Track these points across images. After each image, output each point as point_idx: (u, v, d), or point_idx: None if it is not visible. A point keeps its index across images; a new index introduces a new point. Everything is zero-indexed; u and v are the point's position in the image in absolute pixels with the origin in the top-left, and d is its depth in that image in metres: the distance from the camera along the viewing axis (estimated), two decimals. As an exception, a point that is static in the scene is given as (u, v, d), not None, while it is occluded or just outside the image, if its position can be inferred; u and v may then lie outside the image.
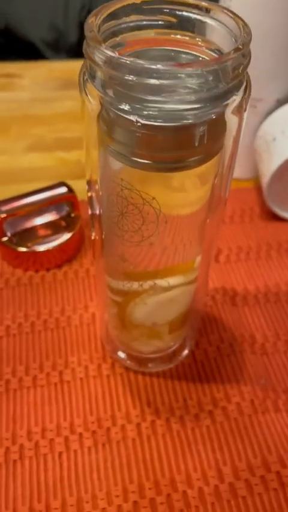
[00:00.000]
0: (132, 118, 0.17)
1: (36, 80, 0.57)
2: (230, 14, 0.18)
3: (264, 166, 0.39)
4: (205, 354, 0.32)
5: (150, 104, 0.17)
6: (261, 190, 0.41)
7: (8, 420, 0.29)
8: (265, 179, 0.38)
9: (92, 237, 0.26)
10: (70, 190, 0.37)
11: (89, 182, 0.23)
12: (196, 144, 0.18)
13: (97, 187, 0.23)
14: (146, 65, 0.16)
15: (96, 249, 0.27)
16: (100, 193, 0.23)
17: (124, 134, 0.19)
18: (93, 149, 0.21)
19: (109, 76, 0.17)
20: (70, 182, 0.42)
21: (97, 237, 0.26)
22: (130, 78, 0.16)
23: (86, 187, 0.24)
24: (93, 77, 0.18)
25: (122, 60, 0.16)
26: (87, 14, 0.68)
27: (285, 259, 0.38)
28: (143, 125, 0.17)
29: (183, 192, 0.21)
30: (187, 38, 0.19)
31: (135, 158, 0.19)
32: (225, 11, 0.18)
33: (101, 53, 0.17)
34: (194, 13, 0.19)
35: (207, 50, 0.19)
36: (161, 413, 0.29)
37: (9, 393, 0.30)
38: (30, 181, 0.44)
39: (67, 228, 0.38)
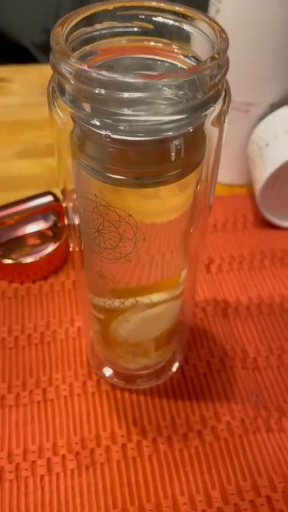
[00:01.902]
0: (103, 132, 0.16)
1: (27, 85, 0.56)
2: (207, 20, 0.17)
3: (257, 173, 0.37)
4: (194, 370, 0.31)
5: (122, 118, 0.16)
6: (255, 197, 0.40)
7: (-11, 441, 0.28)
8: (258, 186, 0.37)
9: (71, 249, 0.25)
10: (56, 199, 0.36)
11: (63, 192, 0.22)
12: (173, 159, 0.17)
13: (74, 196, 0.22)
14: (117, 78, 0.15)
15: (76, 261, 0.26)
16: (77, 203, 0.22)
17: (96, 149, 0.18)
18: (66, 156, 0.20)
19: (78, 90, 0.16)
20: (58, 190, 0.41)
21: (76, 248, 0.25)
22: (100, 92, 0.15)
23: (61, 196, 0.23)
24: (62, 91, 0.17)
25: (91, 73, 0.15)
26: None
27: (279, 268, 0.37)
28: (115, 139, 0.16)
29: (159, 199, 0.20)
30: (161, 45, 0.18)
31: (109, 174, 0.18)
32: (203, 17, 0.17)
33: (69, 66, 0.15)
34: (170, 19, 0.18)
35: (183, 58, 0.18)
36: (147, 432, 0.28)
37: (-10, 412, 0.29)
38: (19, 188, 0.43)
39: (54, 238, 0.37)
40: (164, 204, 0.20)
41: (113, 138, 0.16)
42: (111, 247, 0.20)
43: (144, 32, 0.18)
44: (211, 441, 0.28)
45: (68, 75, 0.16)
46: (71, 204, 0.22)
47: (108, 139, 0.16)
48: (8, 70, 0.58)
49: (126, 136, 0.16)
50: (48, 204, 0.36)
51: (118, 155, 0.17)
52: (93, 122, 0.16)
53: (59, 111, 0.18)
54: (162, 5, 0.17)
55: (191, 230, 0.23)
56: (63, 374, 0.31)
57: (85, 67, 0.15)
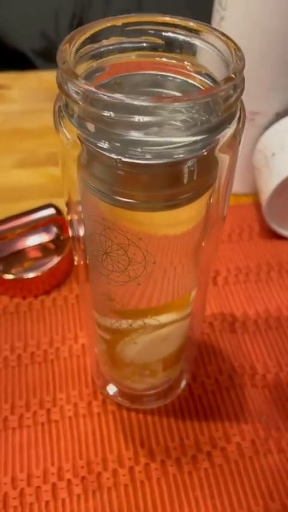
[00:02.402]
0: (114, 156, 0.15)
1: (26, 91, 0.55)
2: (221, 36, 0.16)
3: (263, 183, 0.37)
4: (202, 388, 0.30)
5: (133, 141, 0.15)
6: (260, 207, 0.39)
7: (-8, 465, 0.27)
8: (264, 196, 0.36)
9: (75, 262, 0.24)
10: (59, 211, 0.35)
11: (68, 204, 0.21)
12: (185, 181, 0.16)
13: (79, 208, 0.21)
14: (127, 101, 0.14)
15: (80, 275, 0.25)
16: (82, 215, 0.21)
17: (105, 171, 0.17)
18: (70, 167, 0.19)
19: (86, 112, 0.15)
20: (60, 200, 0.40)
21: (81, 262, 0.24)
22: (109, 115, 0.14)
23: (66, 209, 0.22)
24: (68, 111, 0.16)
25: (100, 95, 0.14)
26: (78, 22, 0.66)
27: (286, 280, 0.36)
28: (125, 163, 0.15)
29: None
30: (174, 61, 0.17)
31: (117, 197, 0.17)
32: (216, 33, 0.16)
33: (76, 87, 0.15)
34: (181, 34, 0.17)
35: (196, 75, 0.17)
36: (155, 454, 0.27)
37: (-7, 434, 0.28)
38: (19, 199, 0.42)
39: (56, 251, 0.36)
40: (177, 215, 0.19)
41: (123, 161, 0.15)
42: (120, 270, 0.20)
43: (154, 48, 0.17)
44: (221, 464, 0.27)
45: (75, 96, 0.15)
46: (76, 217, 0.21)
47: (119, 164, 0.15)
48: (7, 76, 0.57)
49: (137, 159, 0.15)
50: (50, 216, 0.35)
51: (128, 179, 0.16)
52: (101, 145, 0.15)
53: (65, 131, 0.17)
54: (174, 20, 0.17)
55: (203, 244, 0.22)
56: (67, 394, 0.30)
57: (93, 88, 0.14)
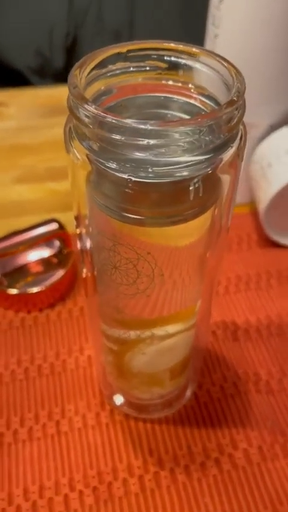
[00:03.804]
0: (125, 176, 0.16)
1: (23, 108, 0.56)
2: (223, 61, 0.17)
3: (261, 193, 0.38)
4: (208, 395, 0.31)
5: (141, 162, 0.16)
6: (258, 216, 0.40)
7: (3, 478, 0.27)
8: (262, 206, 0.37)
9: (84, 275, 0.25)
10: (61, 226, 0.36)
11: (77, 218, 0.22)
12: (191, 198, 0.17)
13: (87, 222, 0.21)
14: (135, 125, 0.15)
15: (88, 288, 0.26)
16: (90, 229, 0.22)
17: (113, 190, 0.17)
18: (80, 181, 0.19)
19: (95, 134, 0.16)
20: (61, 215, 0.41)
21: (89, 274, 0.24)
22: (118, 138, 0.15)
23: (74, 222, 0.22)
24: (79, 133, 0.17)
25: (109, 119, 0.15)
26: (72, 40, 0.67)
27: (286, 288, 0.37)
28: (134, 182, 0.16)
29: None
30: (179, 84, 0.18)
31: (126, 214, 0.18)
32: (217, 58, 0.17)
33: (87, 111, 0.15)
34: (183, 58, 0.18)
35: (200, 96, 0.18)
36: (164, 462, 0.28)
37: (3, 447, 0.29)
38: (20, 215, 0.43)
39: (59, 265, 0.36)
40: (183, 227, 0.20)
41: (133, 181, 0.16)
42: (129, 283, 0.20)
43: (158, 71, 0.18)
44: (229, 470, 0.28)
45: (85, 119, 0.16)
46: (84, 230, 0.22)
47: (130, 183, 0.16)
48: (3, 94, 0.58)
49: (145, 179, 0.16)
50: (53, 231, 0.35)
51: (136, 196, 0.17)
52: (110, 165, 0.16)
53: (75, 151, 0.18)
54: (178, 46, 0.18)
55: (208, 254, 0.22)
56: (75, 405, 0.30)
57: (102, 113, 0.15)
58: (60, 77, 0.68)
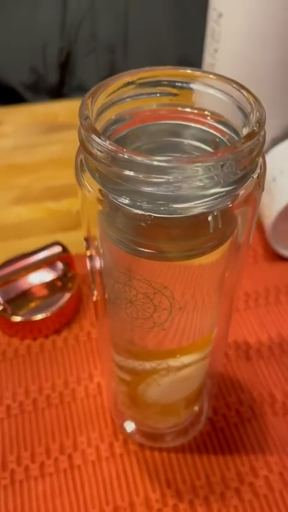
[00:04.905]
0: (140, 211, 0.15)
1: (19, 126, 0.55)
2: (239, 88, 0.16)
3: (266, 208, 0.37)
4: (224, 420, 0.30)
5: (157, 198, 0.15)
6: (264, 231, 0.39)
7: (17, 518, 0.26)
8: (268, 221, 0.37)
9: (94, 298, 0.24)
10: (65, 249, 0.35)
11: (87, 240, 0.21)
12: (210, 231, 0.16)
13: (96, 243, 0.20)
14: (152, 162, 0.14)
15: (99, 311, 0.25)
16: (101, 250, 0.20)
17: (129, 224, 0.17)
18: (90, 203, 0.18)
19: (107, 169, 0.15)
20: (61, 235, 0.40)
21: (99, 297, 0.23)
22: (132, 174, 0.14)
23: (84, 244, 0.21)
24: (90, 167, 0.16)
25: (122, 155, 0.14)
26: (66, 56, 0.66)
27: (295, 302, 0.37)
28: (151, 217, 0.15)
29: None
30: (195, 110, 0.17)
31: (142, 249, 0.17)
32: (232, 84, 0.16)
33: (98, 146, 0.15)
34: (195, 84, 0.17)
35: (215, 123, 0.17)
36: (183, 494, 0.27)
37: (14, 485, 0.27)
38: (19, 237, 0.42)
39: (64, 288, 0.35)
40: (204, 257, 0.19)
41: (150, 216, 0.15)
42: (145, 317, 0.19)
43: (170, 98, 0.18)
44: (250, 499, 0.27)
45: (97, 153, 0.15)
46: (94, 252, 0.21)
47: (148, 219, 0.15)
48: (-2, 112, 0.57)
49: (164, 214, 0.15)
50: (57, 255, 0.35)
51: (152, 231, 0.16)
52: (123, 201, 0.15)
53: (87, 184, 0.17)
54: (195, 73, 0.17)
55: (226, 274, 0.21)
56: (87, 436, 0.29)
57: (116, 148, 0.14)
58: (55, 93, 0.67)
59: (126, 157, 0.14)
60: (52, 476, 0.28)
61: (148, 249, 0.17)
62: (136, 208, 0.15)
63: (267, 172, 0.37)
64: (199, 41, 0.38)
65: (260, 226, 0.41)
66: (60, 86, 0.66)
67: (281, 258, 0.39)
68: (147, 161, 0.14)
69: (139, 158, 0.14)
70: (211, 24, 0.34)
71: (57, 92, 0.67)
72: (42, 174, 0.49)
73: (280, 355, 0.33)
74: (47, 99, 0.66)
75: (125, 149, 0.14)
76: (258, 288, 0.37)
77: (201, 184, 0.14)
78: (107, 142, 0.15)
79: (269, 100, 0.36)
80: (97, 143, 0.15)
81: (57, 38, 0.64)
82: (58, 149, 0.51)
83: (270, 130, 0.37)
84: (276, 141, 0.38)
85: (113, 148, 0.14)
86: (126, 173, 0.14)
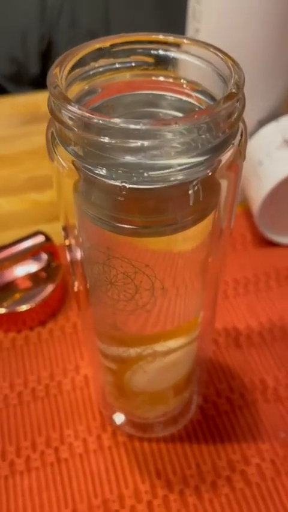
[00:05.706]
0: (115, 182, 0.14)
1: (0, 117, 0.54)
2: (218, 52, 0.15)
3: (253, 191, 0.36)
4: (215, 408, 0.29)
5: (134, 166, 0.14)
6: (251, 216, 0.38)
7: (2, 515, 0.25)
8: (255, 205, 0.36)
9: (75, 288, 0.23)
10: (48, 239, 0.34)
11: (65, 229, 0.20)
12: (191, 203, 0.15)
13: (76, 232, 0.20)
14: (125, 125, 0.13)
15: (81, 302, 0.24)
16: (80, 239, 0.20)
17: (105, 199, 0.16)
18: (67, 190, 0.17)
19: (81, 138, 0.14)
20: (47, 226, 0.39)
21: (81, 288, 0.22)
22: (107, 140, 0.13)
23: (63, 233, 0.20)
24: (62, 138, 0.15)
25: (96, 120, 0.13)
26: (48, 44, 0.65)
27: (285, 288, 0.36)
28: (128, 189, 0.14)
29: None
30: (171, 79, 0.16)
31: (121, 225, 0.16)
32: (211, 48, 0.15)
33: (70, 113, 0.14)
34: (172, 51, 0.16)
35: (193, 92, 0.16)
36: (173, 484, 0.26)
37: None
38: (4, 229, 0.41)
39: (48, 279, 0.34)
40: (183, 234, 0.18)
41: (126, 188, 0.14)
42: (127, 299, 0.19)
43: (145, 67, 0.17)
44: (242, 488, 0.26)
45: (68, 121, 0.14)
46: (73, 241, 0.20)
47: (122, 190, 0.14)
48: (-21, 104, 0.56)
49: (139, 184, 0.14)
50: (40, 245, 0.34)
51: (131, 205, 0.15)
52: (99, 172, 0.15)
53: (60, 159, 0.16)
54: (168, 38, 0.16)
55: (210, 260, 0.21)
56: (75, 429, 0.28)
57: (88, 113, 0.14)
58: (37, 83, 0.66)
59: (100, 122, 0.13)
60: (38, 470, 0.27)
61: (127, 225, 0.16)
62: (111, 180, 0.14)
63: (253, 155, 0.36)
64: (182, 23, 0.37)
65: (247, 211, 0.40)
66: (42, 76, 0.65)
67: (269, 244, 0.39)
68: (122, 125, 0.13)
69: (112, 122, 0.13)
70: (192, 4, 0.33)
71: (40, 83, 0.65)
72: (24, 165, 0.48)
73: (271, 341, 0.33)
74: (29, 90, 0.64)
75: (97, 114, 0.13)
76: (247, 274, 0.37)
77: (178, 149, 0.13)
78: (77, 107, 0.14)
79: (253, 81, 0.35)
80: (68, 109, 0.14)
81: (37, 25, 0.62)
82: (40, 140, 0.50)
83: (255, 112, 0.37)
84: (262, 123, 0.37)
85: (85, 113, 0.14)
86: (100, 139, 0.13)
